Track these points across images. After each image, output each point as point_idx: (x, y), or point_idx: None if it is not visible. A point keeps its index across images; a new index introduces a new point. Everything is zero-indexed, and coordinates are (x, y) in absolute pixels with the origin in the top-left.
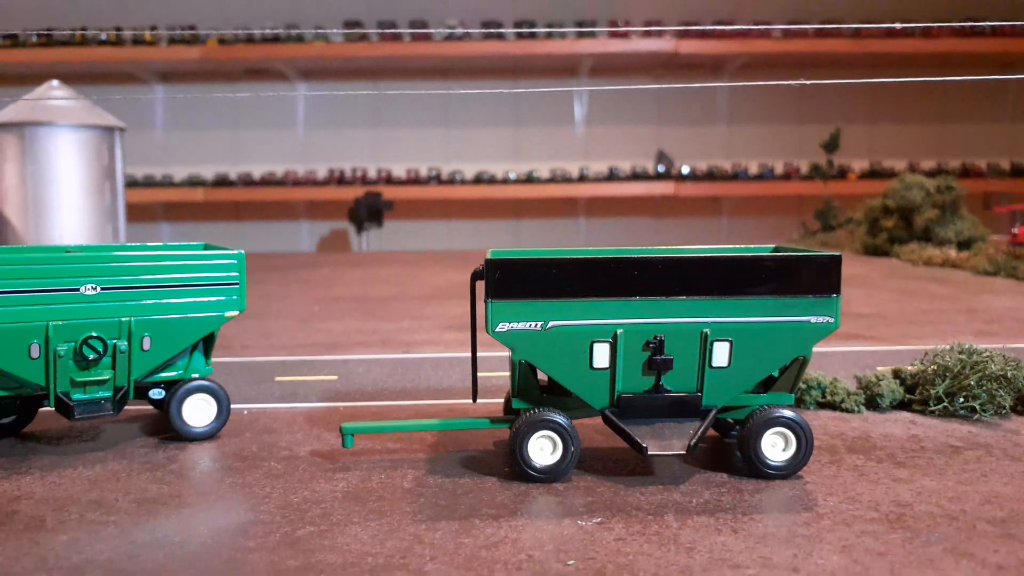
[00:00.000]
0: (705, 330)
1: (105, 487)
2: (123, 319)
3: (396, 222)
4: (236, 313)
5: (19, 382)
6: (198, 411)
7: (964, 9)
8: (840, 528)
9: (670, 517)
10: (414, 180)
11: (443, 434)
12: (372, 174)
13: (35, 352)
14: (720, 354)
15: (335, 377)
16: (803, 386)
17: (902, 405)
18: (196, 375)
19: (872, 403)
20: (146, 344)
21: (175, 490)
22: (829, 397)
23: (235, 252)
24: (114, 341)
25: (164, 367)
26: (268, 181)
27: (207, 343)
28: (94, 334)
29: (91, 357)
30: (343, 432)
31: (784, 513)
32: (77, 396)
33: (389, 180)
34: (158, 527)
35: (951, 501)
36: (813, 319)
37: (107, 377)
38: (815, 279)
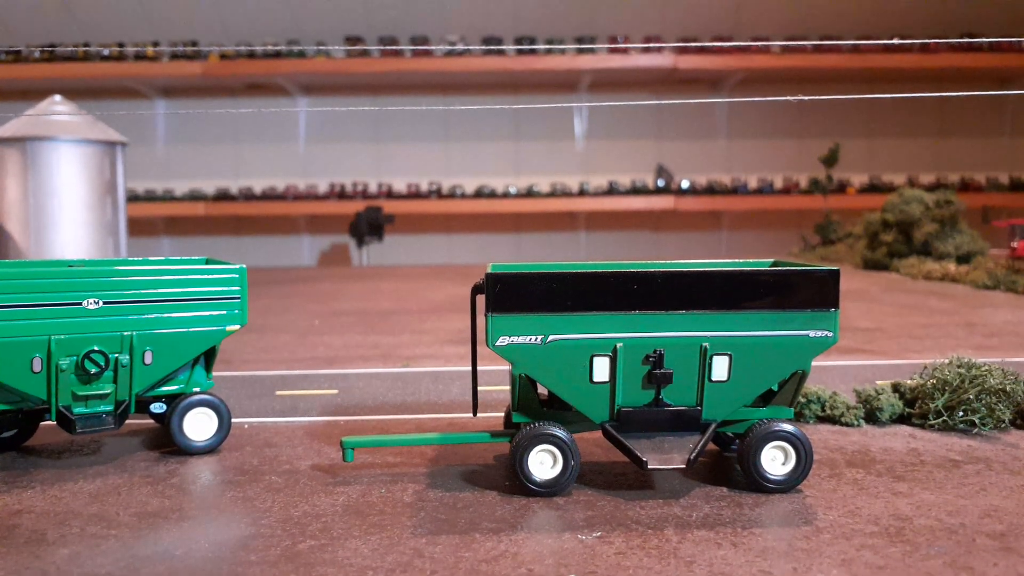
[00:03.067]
0: (704, 344)
1: (106, 501)
2: (125, 333)
3: (397, 236)
4: (237, 327)
5: (21, 396)
6: (199, 425)
7: (962, 25)
8: (840, 542)
9: (670, 531)
10: (415, 194)
11: (443, 448)
12: (373, 188)
13: (37, 366)
14: (719, 368)
15: (335, 391)
16: (802, 400)
17: (901, 419)
18: (197, 389)
19: (871, 417)
20: (148, 358)
21: (176, 504)
22: (828, 411)
23: (236, 267)
24: (116, 355)
25: (165, 381)
26: (269, 195)
27: (208, 357)
28: (96, 348)
29: (93, 371)
30: (344, 446)
31: (784, 527)
32: (79, 410)
33: (390, 194)
34: (159, 541)
35: (950, 515)
36: (812, 333)
37: (109, 391)
38: (814, 293)
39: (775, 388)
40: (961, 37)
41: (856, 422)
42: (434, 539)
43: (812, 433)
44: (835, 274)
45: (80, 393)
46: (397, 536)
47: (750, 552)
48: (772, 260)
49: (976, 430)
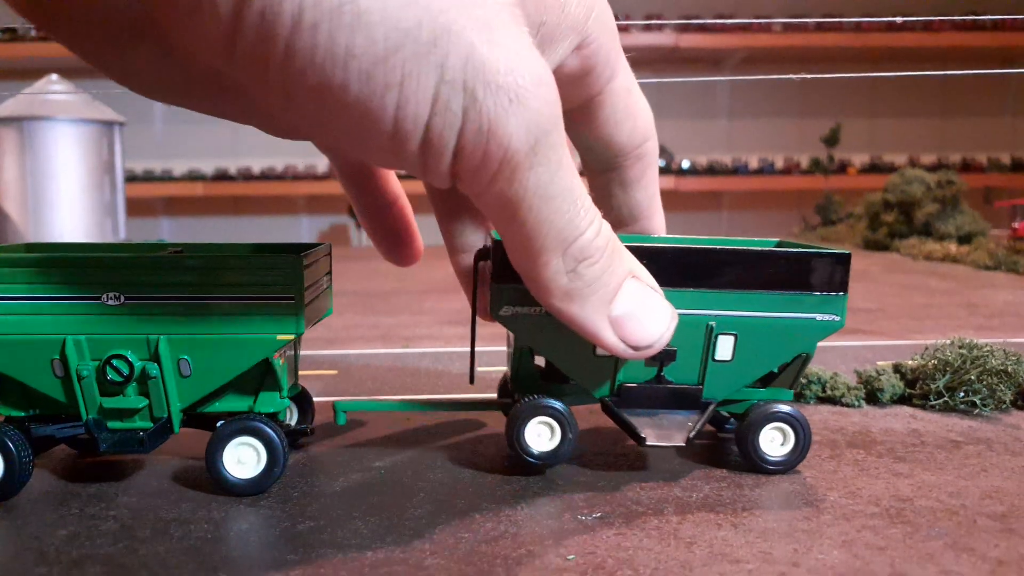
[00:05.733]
0: (710, 323)
1: (106, 481)
2: (150, 337)
3: None
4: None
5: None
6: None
7: (965, 3)
8: (840, 523)
9: (670, 512)
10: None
11: (443, 428)
12: None
13: (59, 370)
14: (724, 348)
15: (335, 372)
16: (803, 381)
17: (902, 400)
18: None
19: (872, 398)
20: (185, 368)
21: (176, 484)
22: (829, 391)
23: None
24: (143, 363)
25: (215, 396)
26: (268, 175)
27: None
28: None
29: (115, 380)
30: (335, 409)
31: (784, 508)
32: (110, 425)
33: None
34: (159, 522)
35: (951, 496)
36: (819, 317)
37: (141, 406)
38: (824, 277)
39: (776, 371)
40: (964, 16)
41: (857, 403)
42: (433, 520)
43: (812, 414)
44: (846, 258)
45: (107, 406)
46: (396, 517)
47: (751, 533)
48: (776, 240)
49: (977, 411)
